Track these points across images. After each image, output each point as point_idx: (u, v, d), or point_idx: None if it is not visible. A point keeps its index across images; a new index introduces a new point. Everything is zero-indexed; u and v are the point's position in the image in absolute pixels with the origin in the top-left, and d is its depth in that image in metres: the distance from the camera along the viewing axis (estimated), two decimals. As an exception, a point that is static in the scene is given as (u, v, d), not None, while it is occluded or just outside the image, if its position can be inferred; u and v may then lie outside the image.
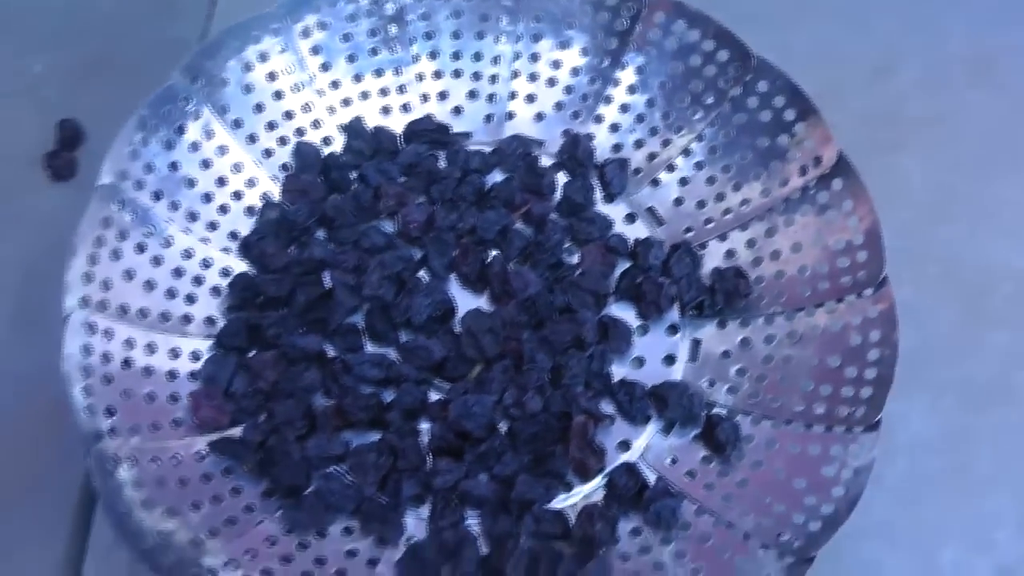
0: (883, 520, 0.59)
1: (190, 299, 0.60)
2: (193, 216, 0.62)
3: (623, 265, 0.64)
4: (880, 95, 0.74)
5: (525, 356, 0.59)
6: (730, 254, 0.63)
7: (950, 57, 0.77)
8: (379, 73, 0.69)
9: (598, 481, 0.57)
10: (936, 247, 0.68)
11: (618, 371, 0.60)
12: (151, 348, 0.57)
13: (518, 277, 0.61)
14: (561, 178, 0.67)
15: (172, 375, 0.58)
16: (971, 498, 0.60)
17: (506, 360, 0.59)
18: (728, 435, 0.56)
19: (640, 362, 0.61)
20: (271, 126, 0.66)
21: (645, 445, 0.58)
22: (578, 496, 0.57)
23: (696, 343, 0.62)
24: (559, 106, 0.70)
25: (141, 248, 0.59)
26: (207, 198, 0.63)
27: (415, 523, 0.56)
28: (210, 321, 0.61)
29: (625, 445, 0.58)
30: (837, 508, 0.52)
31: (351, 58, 0.69)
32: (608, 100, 0.69)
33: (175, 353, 0.58)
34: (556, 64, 0.70)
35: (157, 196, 0.61)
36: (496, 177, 0.67)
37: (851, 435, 0.54)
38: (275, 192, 0.65)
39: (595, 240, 0.64)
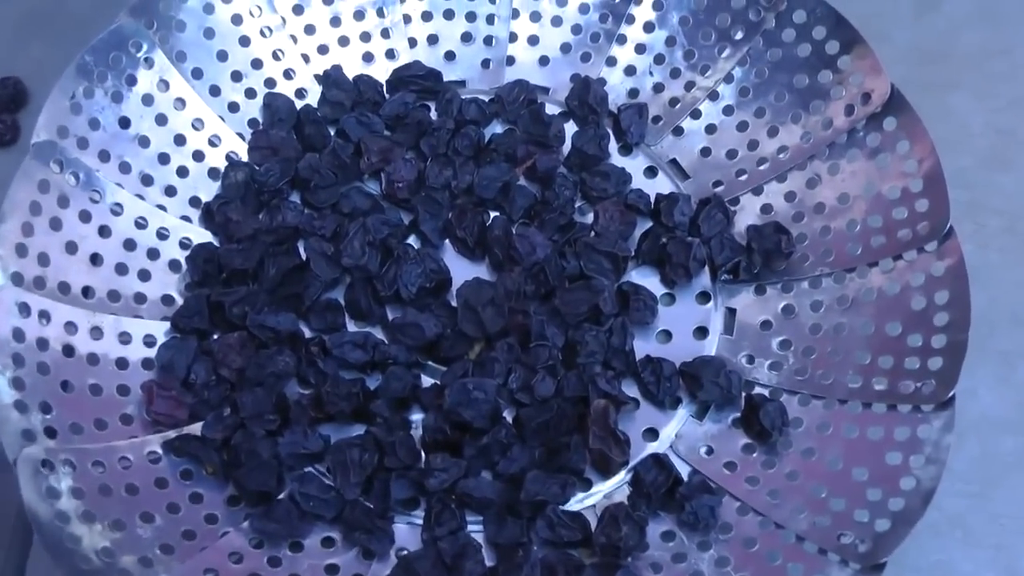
0: (953, 513, 0.51)
1: (144, 275, 0.53)
2: (147, 179, 0.54)
3: (644, 225, 0.55)
4: (928, 28, 0.66)
5: (533, 332, 0.50)
6: (766, 209, 0.55)
7: (1003, -14, 0.68)
8: (360, 15, 0.61)
9: (622, 476, 0.49)
10: (998, 197, 0.60)
11: (642, 347, 0.52)
12: (97, 332, 0.50)
13: (523, 240, 0.52)
14: (570, 128, 0.58)
15: (122, 363, 0.50)
16: (1055, 484, 0.52)
17: (510, 337, 0.51)
18: (773, 419, 0.48)
19: (667, 336, 0.53)
20: (237, 76, 0.58)
21: (676, 433, 0.50)
22: (599, 495, 0.49)
23: (731, 312, 0.53)
24: (566, 48, 0.61)
25: (86, 216, 0.51)
26: (163, 159, 0.55)
27: (407, 531, 0.48)
28: (167, 300, 0.53)
29: (652, 433, 0.50)
30: (908, 503, 0.44)
31: (328, -2, 0.61)
32: (622, 40, 0.60)
33: (126, 338, 0.51)
34: (562, 0, 0.61)
35: (104, 156, 0.53)
36: (496, 129, 0.59)
37: (920, 415, 0.46)
38: (242, 151, 0.57)
39: (611, 197, 0.55)
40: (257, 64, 0.59)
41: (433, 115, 0.59)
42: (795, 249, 0.53)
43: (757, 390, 0.50)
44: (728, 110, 0.58)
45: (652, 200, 0.56)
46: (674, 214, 0.54)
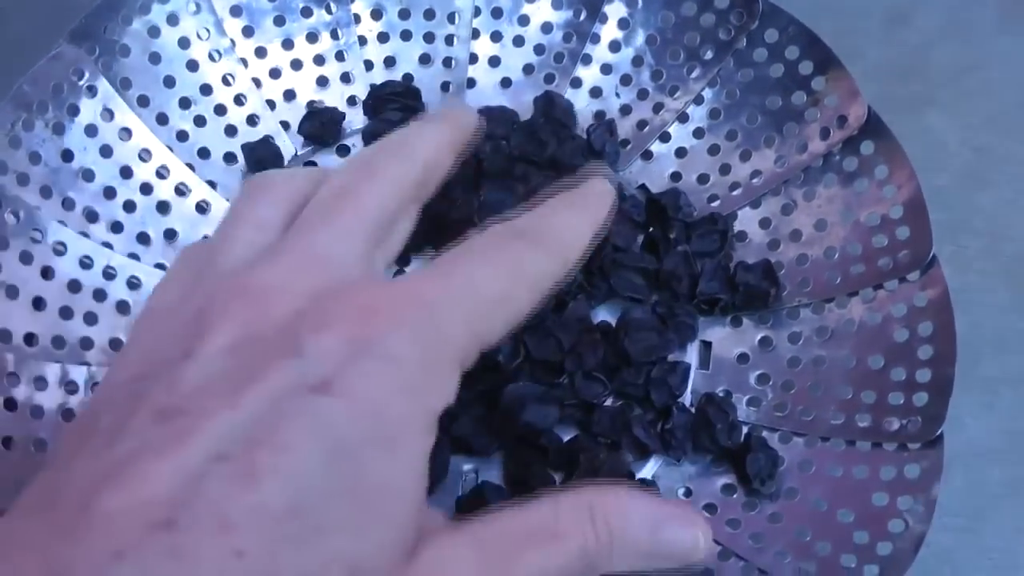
0: (941, 549, 0.49)
1: (90, 318, 0.50)
2: (92, 215, 0.51)
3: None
4: (900, 44, 0.64)
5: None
6: (741, 237, 0.53)
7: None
8: (313, 37, 0.58)
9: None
10: (977, 218, 0.58)
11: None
12: (41, 382, 0.47)
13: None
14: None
15: (68, 416, 0.47)
16: (1045, 517, 0.50)
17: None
18: (761, 467, 0.46)
19: (640, 372, 0.51)
20: (185, 103, 0.55)
21: (652, 475, 0.48)
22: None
23: (706, 345, 0.51)
24: (528, 69, 0.59)
25: (27, 258, 0.48)
26: (109, 193, 0.52)
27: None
28: (115, 344, 0.50)
29: (628, 476, 0.48)
30: (897, 547, 0.42)
31: (279, 20, 0.58)
32: (587, 60, 0.58)
33: (72, 387, 0.48)
34: (524, 20, 0.59)
35: (46, 192, 0.50)
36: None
37: (906, 453, 0.44)
38: (191, 182, 0.54)
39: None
40: (206, 90, 0.56)
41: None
42: (783, 298, 0.51)
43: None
44: (699, 133, 0.56)
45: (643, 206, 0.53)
46: (681, 206, 0.52)
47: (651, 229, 0.53)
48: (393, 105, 0.56)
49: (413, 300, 0.30)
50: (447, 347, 0.30)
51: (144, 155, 0.54)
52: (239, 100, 0.56)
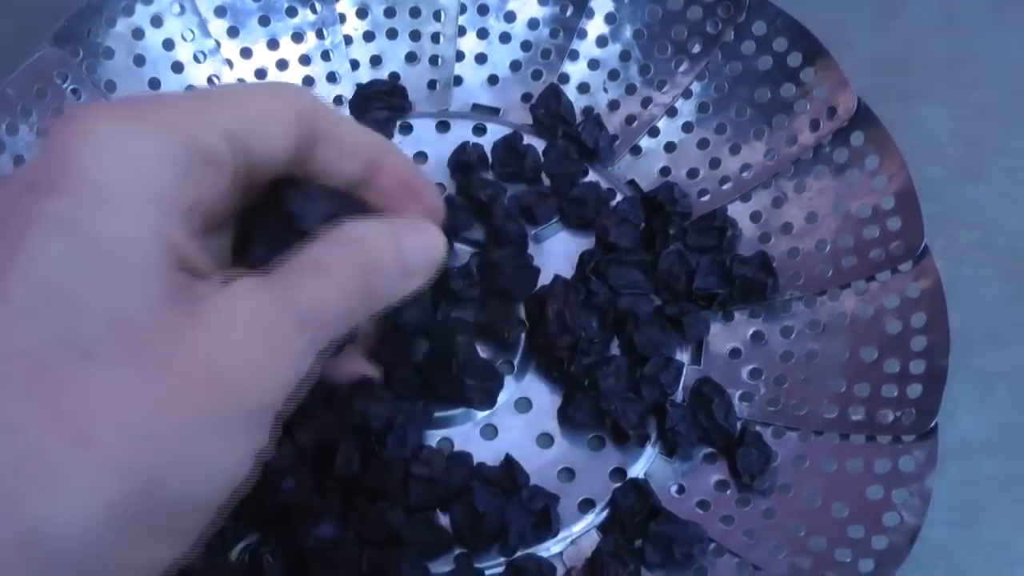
0: (936, 544, 0.48)
1: (75, 321, 0.49)
2: (77, 219, 0.51)
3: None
4: (891, 36, 0.64)
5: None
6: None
7: (965, -9, 0.66)
8: (299, 37, 0.58)
9: (591, 519, 0.46)
10: (969, 210, 0.57)
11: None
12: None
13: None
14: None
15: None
16: (1042, 510, 0.50)
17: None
18: (752, 462, 0.46)
19: (633, 368, 0.50)
20: (170, 105, 0.55)
21: (644, 472, 0.47)
22: (565, 541, 0.45)
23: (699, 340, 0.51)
24: (515, 66, 0.58)
25: (11, 262, 0.48)
26: (94, 196, 0.52)
27: None
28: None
29: (620, 473, 0.47)
30: (892, 541, 0.42)
31: (264, 20, 0.57)
32: (574, 56, 0.58)
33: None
34: (510, 16, 0.59)
35: (30, 197, 0.50)
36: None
37: (900, 446, 0.44)
38: (178, 185, 0.54)
39: (591, 221, 0.52)
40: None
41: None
42: (779, 291, 0.50)
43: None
44: (688, 127, 0.55)
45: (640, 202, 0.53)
46: (676, 200, 0.51)
47: (648, 225, 0.52)
48: (379, 104, 0.56)
49: None
50: None
51: (129, 157, 0.53)
52: (224, 101, 0.56)
